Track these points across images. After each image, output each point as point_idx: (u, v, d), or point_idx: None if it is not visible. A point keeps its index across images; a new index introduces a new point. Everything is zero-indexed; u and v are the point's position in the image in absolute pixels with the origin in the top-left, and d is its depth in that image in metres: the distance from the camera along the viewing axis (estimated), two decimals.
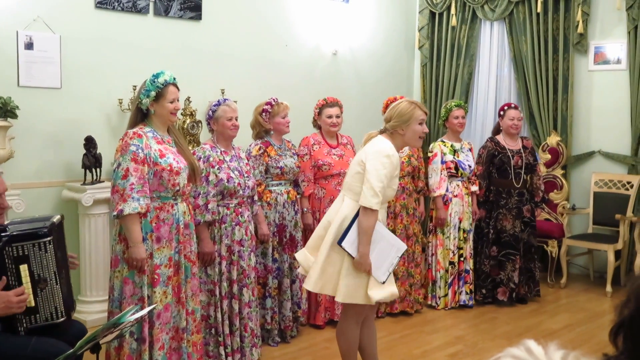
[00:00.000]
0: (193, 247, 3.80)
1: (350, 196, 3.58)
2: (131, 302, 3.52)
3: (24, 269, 2.88)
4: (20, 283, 2.87)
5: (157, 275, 3.57)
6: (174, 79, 3.69)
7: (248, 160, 4.58)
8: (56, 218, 3.12)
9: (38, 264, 2.91)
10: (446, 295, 5.64)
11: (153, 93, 3.59)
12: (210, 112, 4.29)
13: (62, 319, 2.99)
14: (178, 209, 3.66)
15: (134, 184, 3.46)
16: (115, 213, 3.48)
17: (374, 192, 3.43)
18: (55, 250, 2.97)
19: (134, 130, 3.58)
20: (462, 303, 5.67)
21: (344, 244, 3.50)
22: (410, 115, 3.60)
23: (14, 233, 2.89)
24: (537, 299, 5.90)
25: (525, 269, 5.81)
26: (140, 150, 3.50)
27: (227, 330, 4.24)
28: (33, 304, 2.90)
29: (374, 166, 3.48)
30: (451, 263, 5.63)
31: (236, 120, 4.30)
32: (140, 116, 3.67)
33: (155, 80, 3.61)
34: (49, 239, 2.94)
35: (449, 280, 5.64)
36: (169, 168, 3.57)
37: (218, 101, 4.33)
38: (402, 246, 3.66)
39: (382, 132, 3.68)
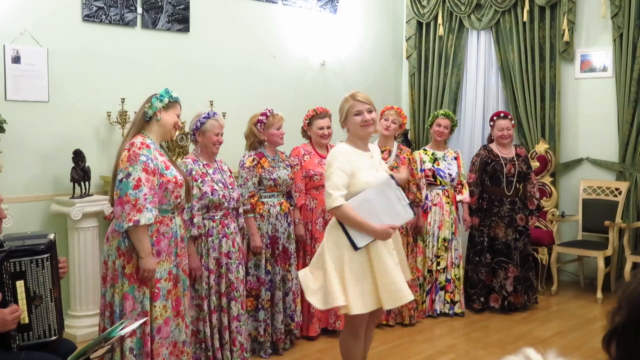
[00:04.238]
0: (187, 261, 3.83)
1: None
2: (131, 318, 3.45)
3: (20, 285, 2.85)
4: (15, 299, 2.84)
5: (158, 290, 3.54)
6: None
7: (239, 171, 4.60)
8: (52, 235, 3.09)
9: (34, 280, 2.88)
10: (424, 302, 5.65)
11: (166, 100, 3.62)
12: (198, 124, 4.26)
13: (55, 338, 2.96)
14: (176, 223, 3.66)
15: (147, 194, 3.41)
16: (129, 224, 3.37)
17: (327, 194, 3.50)
18: (52, 267, 2.95)
19: (141, 140, 3.53)
20: (437, 312, 5.66)
21: (358, 245, 3.48)
22: (344, 108, 3.66)
23: (12, 248, 2.87)
24: (530, 307, 5.90)
25: (523, 278, 5.81)
26: (150, 161, 3.47)
27: (217, 344, 4.22)
28: (27, 320, 2.87)
29: (325, 173, 3.60)
30: (429, 271, 5.65)
31: (221, 136, 4.31)
32: (142, 125, 3.63)
33: (170, 91, 3.67)
34: (46, 255, 2.92)
35: (427, 288, 5.65)
36: (174, 180, 3.57)
37: (207, 114, 4.31)
38: (386, 178, 3.60)
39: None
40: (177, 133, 5.51)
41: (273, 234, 4.72)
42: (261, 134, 4.71)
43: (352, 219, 3.46)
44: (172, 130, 3.70)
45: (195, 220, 4.11)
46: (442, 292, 5.69)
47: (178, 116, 3.71)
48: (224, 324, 4.25)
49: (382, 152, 5.47)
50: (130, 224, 3.37)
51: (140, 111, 3.68)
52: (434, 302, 5.68)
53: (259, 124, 4.70)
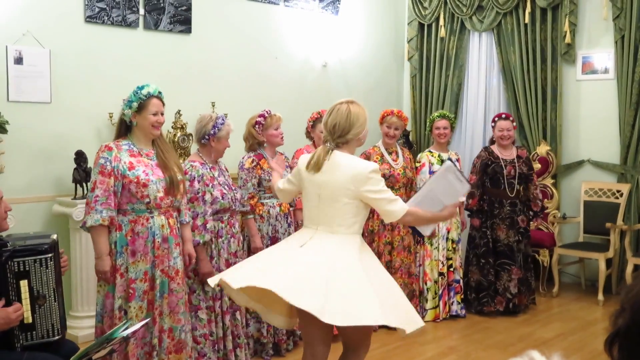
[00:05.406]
0: (172, 262, 3.70)
1: (342, 231, 3.18)
2: (112, 316, 3.56)
3: (24, 284, 2.86)
4: (19, 298, 2.85)
5: (133, 290, 3.58)
6: (159, 92, 3.69)
7: (238, 173, 4.64)
8: (54, 235, 3.11)
9: (38, 280, 2.90)
10: (436, 307, 5.63)
11: (135, 104, 3.61)
12: (216, 129, 4.17)
13: (58, 337, 2.97)
14: (154, 222, 3.63)
15: (98, 196, 3.51)
16: (81, 225, 3.60)
17: (391, 200, 3.18)
18: (55, 267, 2.96)
19: (107, 143, 3.65)
20: (453, 314, 5.67)
21: (425, 234, 3.67)
22: (366, 118, 3.30)
23: (16, 248, 2.88)
24: (530, 308, 5.91)
25: (524, 279, 5.82)
26: (108, 163, 3.54)
27: (230, 346, 4.22)
28: (30, 320, 2.88)
29: (376, 187, 3.17)
30: (440, 274, 5.64)
31: None
32: (124, 129, 3.71)
33: (139, 92, 3.63)
34: (50, 255, 2.93)
35: (439, 292, 5.64)
36: (135, 180, 3.57)
37: (222, 118, 4.23)
38: (448, 165, 3.44)
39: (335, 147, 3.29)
40: (169, 131, 5.54)
41: (273, 235, 4.72)
42: (260, 136, 4.70)
43: (422, 218, 3.31)
44: (152, 130, 3.67)
45: (208, 225, 4.11)
46: (452, 294, 5.69)
47: (156, 113, 3.65)
48: (241, 323, 4.27)
49: (390, 153, 5.49)
50: (81, 224, 3.59)
51: (118, 119, 3.78)
52: (451, 304, 5.67)
53: (257, 126, 4.69)
